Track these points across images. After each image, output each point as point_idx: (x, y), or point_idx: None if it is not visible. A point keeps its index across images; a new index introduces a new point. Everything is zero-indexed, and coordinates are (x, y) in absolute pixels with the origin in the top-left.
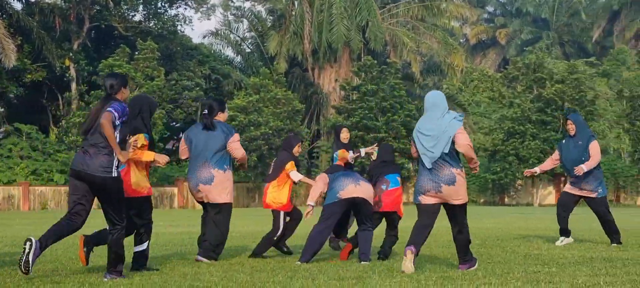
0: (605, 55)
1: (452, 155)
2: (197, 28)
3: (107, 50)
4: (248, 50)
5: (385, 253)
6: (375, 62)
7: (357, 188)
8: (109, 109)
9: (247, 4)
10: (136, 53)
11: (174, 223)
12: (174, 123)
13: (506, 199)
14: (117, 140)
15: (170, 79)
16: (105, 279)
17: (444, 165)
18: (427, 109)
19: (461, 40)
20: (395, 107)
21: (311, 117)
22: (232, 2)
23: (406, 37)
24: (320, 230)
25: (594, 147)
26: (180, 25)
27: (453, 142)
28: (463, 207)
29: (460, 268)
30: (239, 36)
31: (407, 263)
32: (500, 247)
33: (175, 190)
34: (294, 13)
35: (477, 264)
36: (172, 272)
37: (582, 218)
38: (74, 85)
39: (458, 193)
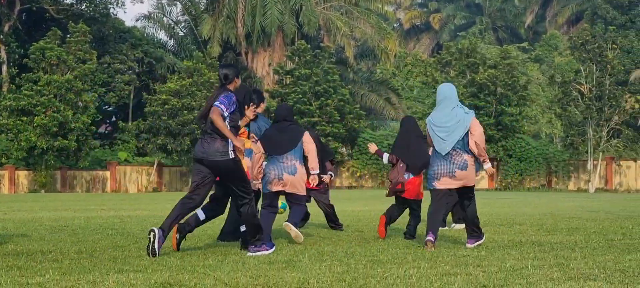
0: (537, 41)
1: (465, 143)
2: (130, 11)
3: (38, 32)
4: (181, 33)
5: (410, 232)
6: (309, 46)
7: (280, 183)
8: (216, 104)
9: None
10: (68, 36)
11: (106, 206)
12: (106, 106)
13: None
14: (228, 127)
15: (102, 62)
16: (250, 254)
17: (457, 153)
18: (440, 101)
19: (395, 25)
20: (328, 92)
21: None
22: None
23: (340, 22)
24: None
25: None
26: (113, 8)
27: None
28: (472, 188)
29: (467, 245)
30: (172, 20)
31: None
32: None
33: (108, 174)
34: None
35: (484, 238)
36: (102, 255)
37: (513, 203)
38: (4, 68)
39: (469, 177)
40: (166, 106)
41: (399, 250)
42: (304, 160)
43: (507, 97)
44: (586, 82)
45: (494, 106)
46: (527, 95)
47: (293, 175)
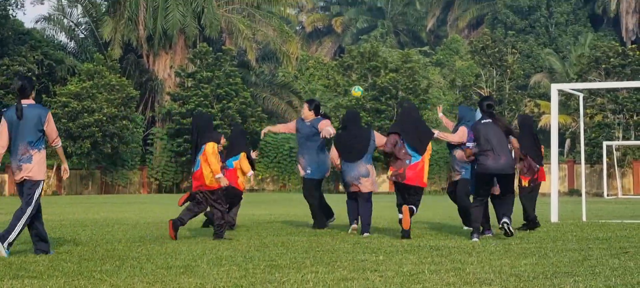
0: (439, 45)
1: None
2: (30, 13)
3: None
4: (82, 35)
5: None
6: (211, 49)
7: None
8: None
9: None
10: None
11: (4, 210)
12: (5, 109)
13: (340, 187)
14: None
15: (1, 64)
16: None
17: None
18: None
19: (297, 28)
20: (230, 95)
21: (146, 104)
22: None
23: (242, 25)
24: None
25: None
26: (12, 9)
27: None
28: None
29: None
30: (72, 21)
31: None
32: (330, 235)
33: (6, 177)
34: None
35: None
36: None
37: None
38: None
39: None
40: (66, 109)
41: (298, 255)
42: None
43: (409, 100)
44: (486, 86)
45: (396, 110)
46: (428, 99)
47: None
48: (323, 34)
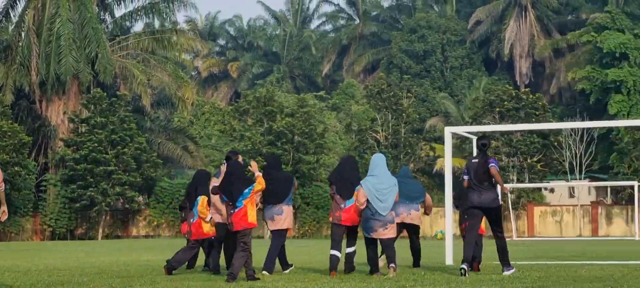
0: (334, 89)
1: None
2: None
3: None
4: None
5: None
6: (105, 94)
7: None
8: None
9: None
10: None
11: None
12: None
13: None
14: None
15: None
16: None
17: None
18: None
19: (193, 73)
20: (125, 140)
21: (39, 150)
22: None
23: (136, 70)
24: None
25: None
26: None
27: None
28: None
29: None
30: None
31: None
32: (223, 279)
33: None
34: (20, 44)
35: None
36: None
37: (311, 251)
38: None
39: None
40: None
41: None
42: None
43: (305, 145)
44: (382, 130)
45: (292, 154)
46: (325, 143)
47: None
48: (219, 79)
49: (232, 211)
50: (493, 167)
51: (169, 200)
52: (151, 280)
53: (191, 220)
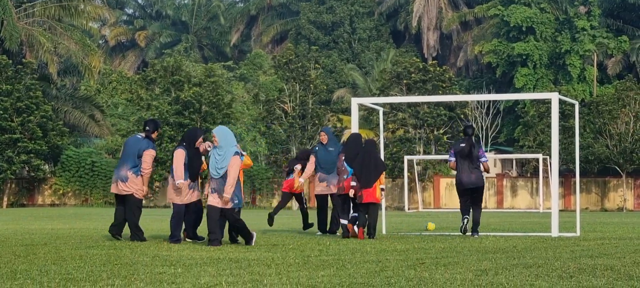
0: (243, 59)
1: None
2: None
3: None
4: None
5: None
6: (11, 61)
7: None
8: None
9: None
10: None
11: None
12: None
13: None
14: None
15: None
16: None
17: None
18: None
19: (100, 42)
20: (31, 108)
21: None
22: None
23: (43, 37)
24: None
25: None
26: None
27: None
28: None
29: None
30: None
31: None
32: (129, 248)
33: None
34: None
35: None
36: None
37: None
38: None
39: None
40: None
41: (95, 268)
42: None
43: (212, 114)
44: (290, 101)
45: (199, 124)
46: (232, 113)
47: None
48: (126, 48)
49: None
50: (485, 163)
51: (75, 168)
52: (55, 248)
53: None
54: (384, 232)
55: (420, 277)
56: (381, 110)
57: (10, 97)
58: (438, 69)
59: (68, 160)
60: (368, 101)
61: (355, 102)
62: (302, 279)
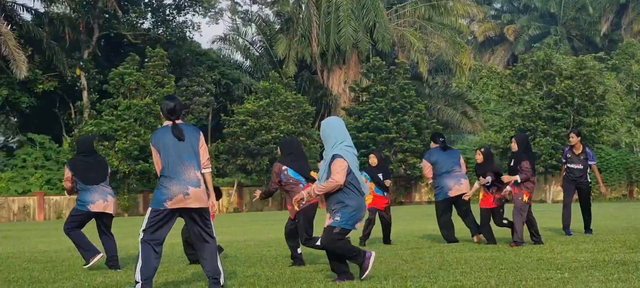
0: (613, 49)
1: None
2: (206, 33)
3: (116, 58)
4: (257, 54)
5: None
6: (384, 62)
7: None
8: None
9: (255, 8)
10: (146, 61)
11: None
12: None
13: None
14: None
15: (180, 85)
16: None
17: None
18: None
19: (469, 38)
20: (405, 107)
21: (322, 119)
22: (240, 6)
23: (413, 37)
24: None
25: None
26: (189, 31)
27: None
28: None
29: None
30: (247, 40)
31: None
32: (513, 250)
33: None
34: (301, 16)
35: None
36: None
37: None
38: (85, 94)
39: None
40: (244, 127)
41: (482, 274)
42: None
43: (585, 107)
44: None
45: (572, 117)
46: (605, 105)
47: None
48: (495, 43)
49: None
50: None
51: None
52: (439, 251)
53: None
54: None
55: None
56: None
57: (385, 97)
58: None
59: None
60: None
61: None
62: None
